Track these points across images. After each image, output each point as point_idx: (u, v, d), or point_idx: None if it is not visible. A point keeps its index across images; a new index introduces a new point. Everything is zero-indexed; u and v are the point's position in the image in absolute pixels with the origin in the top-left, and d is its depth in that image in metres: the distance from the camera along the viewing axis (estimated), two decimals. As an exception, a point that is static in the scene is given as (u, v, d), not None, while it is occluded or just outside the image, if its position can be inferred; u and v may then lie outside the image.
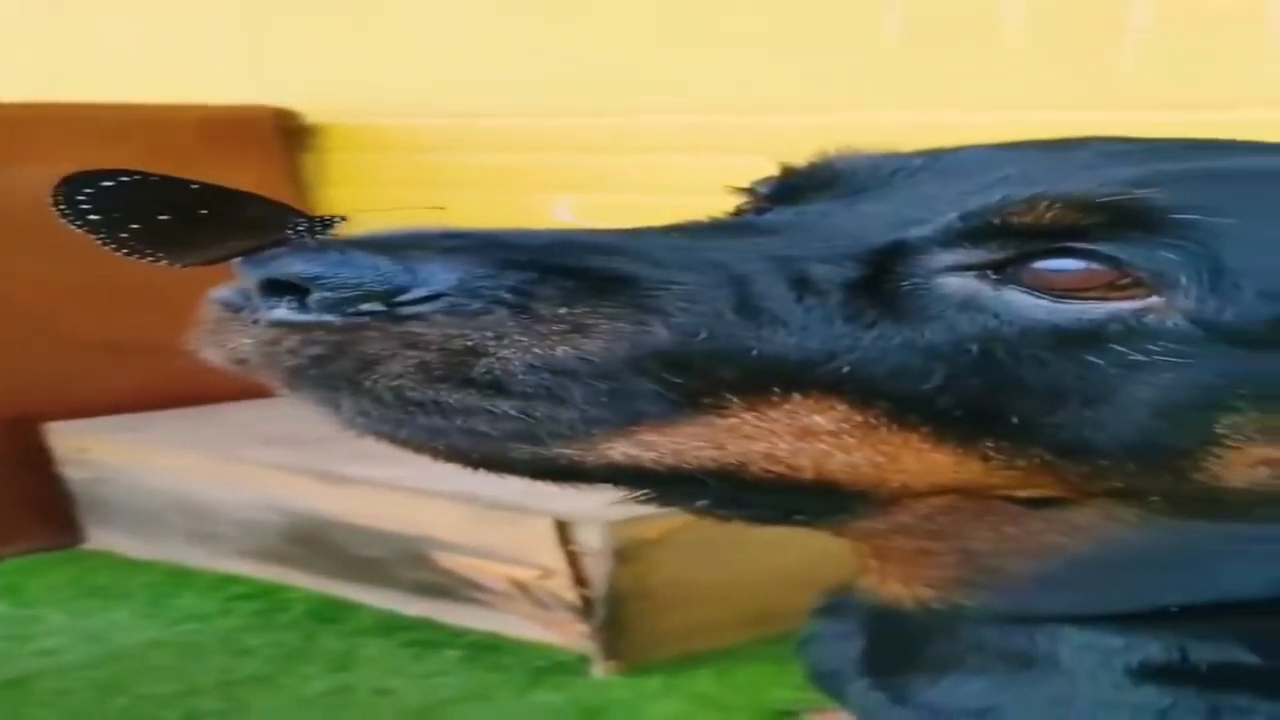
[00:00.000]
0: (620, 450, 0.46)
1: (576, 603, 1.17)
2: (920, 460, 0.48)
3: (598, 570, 1.16)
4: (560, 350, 0.45)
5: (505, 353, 0.44)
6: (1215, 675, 0.50)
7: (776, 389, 0.47)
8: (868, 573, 0.57)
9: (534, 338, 0.45)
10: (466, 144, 1.90)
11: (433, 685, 1.12)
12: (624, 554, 1.15)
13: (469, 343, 0.44)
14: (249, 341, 0.46)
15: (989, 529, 0.52)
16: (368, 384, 0.44)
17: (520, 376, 0.45)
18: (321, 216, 0.52)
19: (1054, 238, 0.46)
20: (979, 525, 0.52)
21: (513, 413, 0.45)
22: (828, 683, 0.65)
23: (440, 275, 0.45)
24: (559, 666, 1.17)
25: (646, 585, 1.18)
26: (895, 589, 0.56)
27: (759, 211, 0.59)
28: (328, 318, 0.45)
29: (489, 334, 0.45)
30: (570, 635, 1.20)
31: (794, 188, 0.57)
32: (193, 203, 0.51)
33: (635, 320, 0.46)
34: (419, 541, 1.27)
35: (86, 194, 0.50)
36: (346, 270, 0.45)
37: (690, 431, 0.46)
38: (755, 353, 0.47)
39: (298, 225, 0.51)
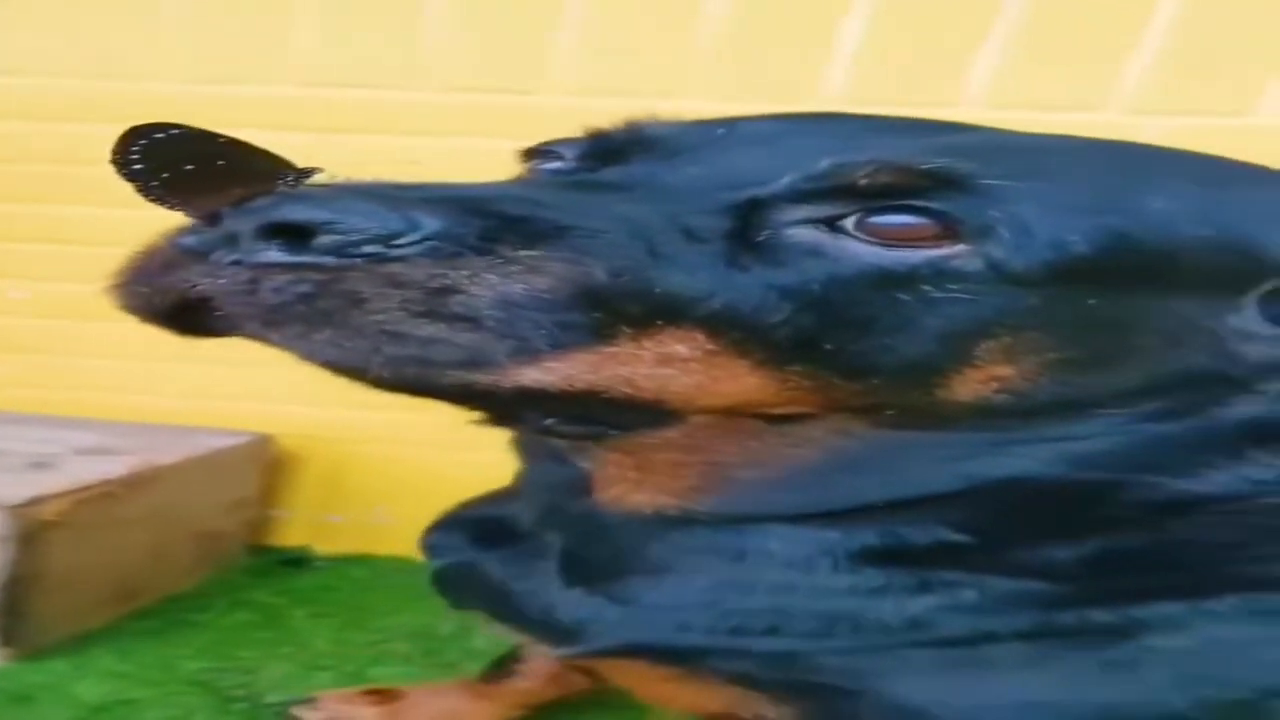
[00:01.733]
0: (529, 376, 0.51)
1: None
2: (736, 383, 0.54)
3: (-3, 557, 1.10)
4: (519, 288, 0.50)
5: (476, 290, 0.49)
6: (926, 555, 0.57)
7: (660, 321, 0.53)
8: (616, 484, 0.62)
9: (500, 276, 0.50)
10: None
11: None
12: (25, 538, 1.12)
13: (447, 281, 0.49)
14: (220, 281, 0.49)
15: (734, 443, 0.58)
16: (353, 319, 0.48)
17: (485, 311, 0.49)
18: (304, 168, 0.54)
19: (890, 196, 0.53)
20: (727, 439, 0.58)
21: (470, 343, 0.50)
22: (517, 603, 0.69)
23: (426, 222, 0.50)
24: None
25: (44, 569, 1.15)
26: (641, 498, 0.61)
27: (568, 170, 0.64)
28: (325, 259, 0.49)
29: (464, 274, 0.50)
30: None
31: (606, 150, 0.63)
32: (214, 153, 0.53)
33: (577, 263, 0.51)
34: None
35: (140, 144, 0.53)
36: (354, 217, 0.49)
37: (582, 359, 0.51)
38: (658, 291, 0.52)
39: (286, 177, 0.54)
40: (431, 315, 0.49)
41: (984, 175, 0.52)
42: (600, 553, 0.64)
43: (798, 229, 0.54)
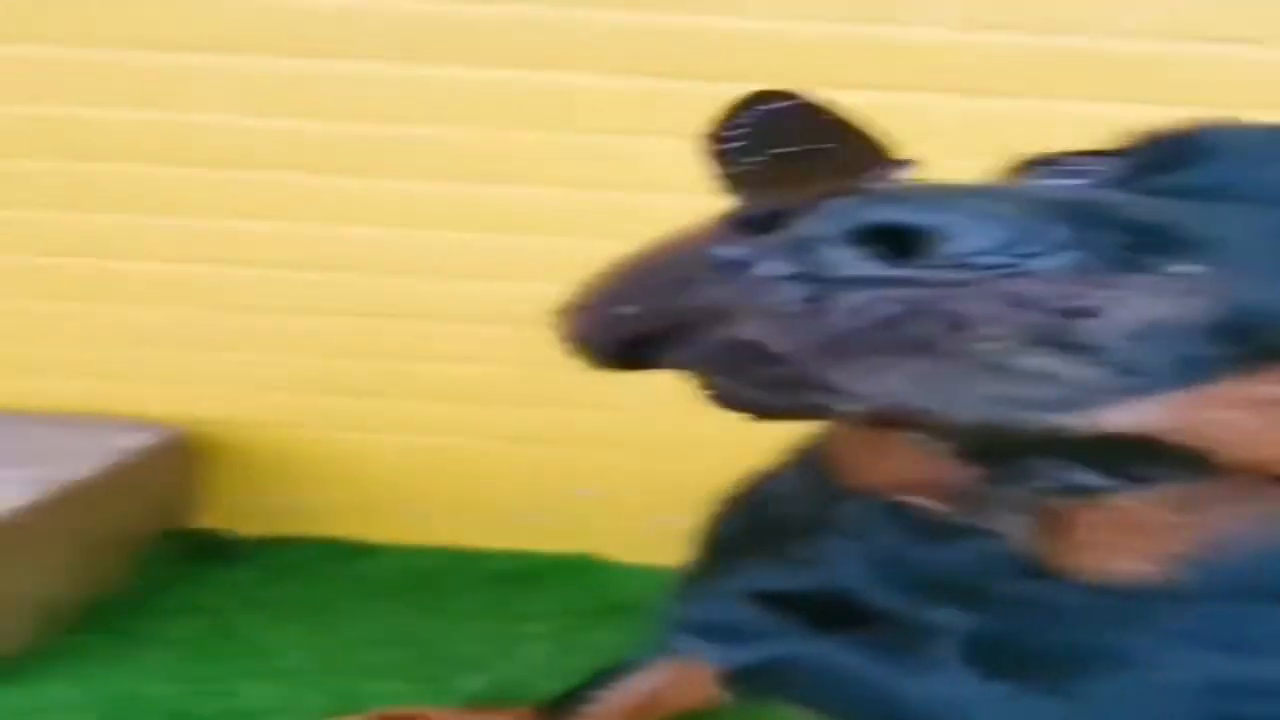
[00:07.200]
0: (1115, 418, 0.41)
1: None
2: None
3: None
4: (1168, 311, 0.41)
5: (1116, 313, 0.40)
6: None
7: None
8: (1087, 549, 0.51)
9: (1150, 297, 0.41)
10: None
11: None
12: None
13: (1084, 302, 0.40)
14: (766, 299, 0.39)
15: (1238, 504, 0.49)
16: (948, 348, 0.39)
17: (1115, 340, 0.40)
18: (899, 159, 0.45)
19: None
20: (1231, 499, 0.49)
21: (1080, 380, 0.40)
22: (900, 705, 0.58)
23: (1059, 230, 0.41)
24: None
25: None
26: (1119, 565, 0.51)
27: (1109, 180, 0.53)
28: (929, 273, 0.39)
29: (1108, 292, 0.41)
30: None
31: (1150, 161, 0.53)
32: (819, 132, 0.45)
33: (1231, 282, 0.43)
34: None
35: (756, 113, 0.44)
36: (973, 221, 0.39)
37: (1177, 400, 0.42)
38: None
39: (877, 170, 0.45)
40: (1050, 344, 0.39)
41: None
42: (1040, 639, 0.55)
43: None
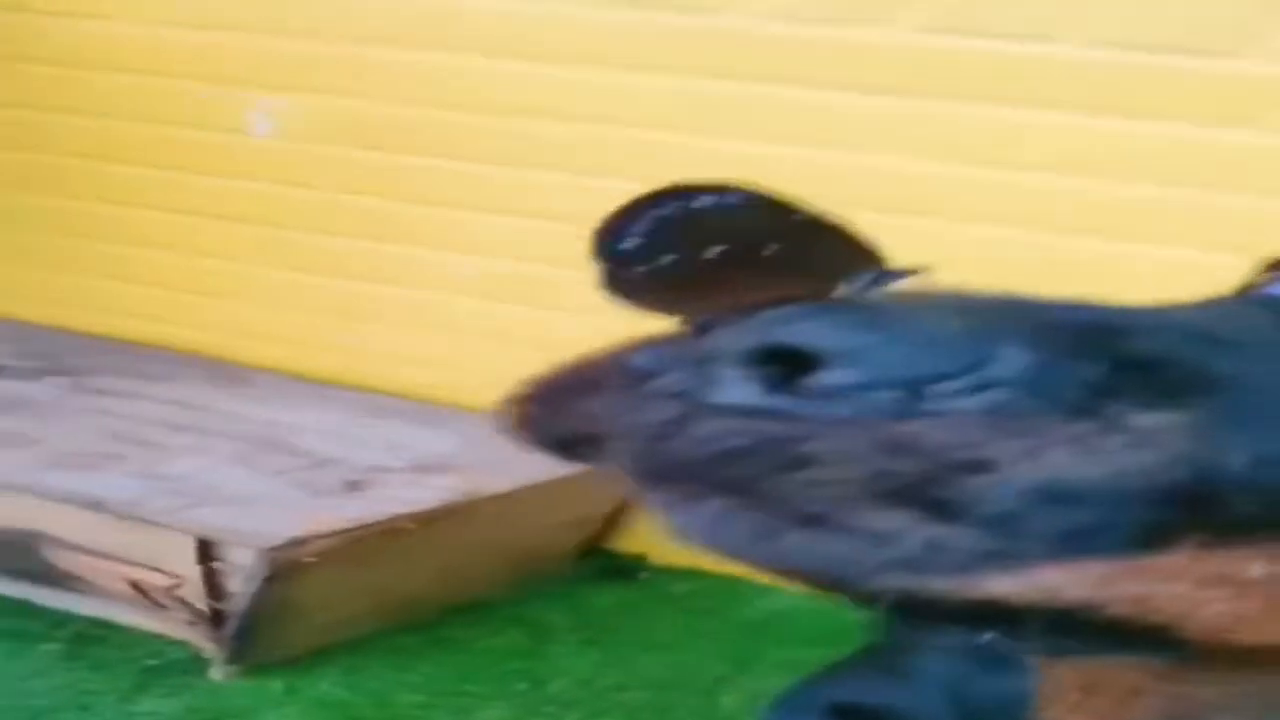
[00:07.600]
0: (1001, 586, 0.36)
1: (205, 610, 1.13)
2: None
3: (240, 587, 1.11)
4: (1096, 472, 0.35)
5: (1021, 469, 0.35)
6: None
7: (1261, 533, 0.38)
8: (1053, 703, 0.43)
9: (1079, 454, 0.35)
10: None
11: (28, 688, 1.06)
12: (275, 578, 1.12)
13: (977, 455, 0.35)
14: (638, 416, 0.37)
15: (1222, 677, 0.42)
16: (769, 490, 0.35)
17: (999, 502, 0.35)
18: (895, 269, 0.41)
19: None
20: (1215, 671, 0.42)
21: (929, 541, 0.35)
22: None
23: (1007, 360, 0.36)
24: (171, 666, 1.12)
25: (296, 602, 1.15)
26: None
27: None
28: (804, 407, 0.35)
29: (1020, 445, 0.35)
30: (185, 632, 1.15)
31: None
32: (769, 233, 0.42)
33: (1210, 438, 0.37)
34: (28, 536, 1.19)
35: (659, 214, 0.42)
36: (891, 347, 0.36)
37: (1092, 570, 0.36)
38: None
39: (862, 277, 0.41)
40: (903, 500, 0.35)
41: None
42: None
43: None
